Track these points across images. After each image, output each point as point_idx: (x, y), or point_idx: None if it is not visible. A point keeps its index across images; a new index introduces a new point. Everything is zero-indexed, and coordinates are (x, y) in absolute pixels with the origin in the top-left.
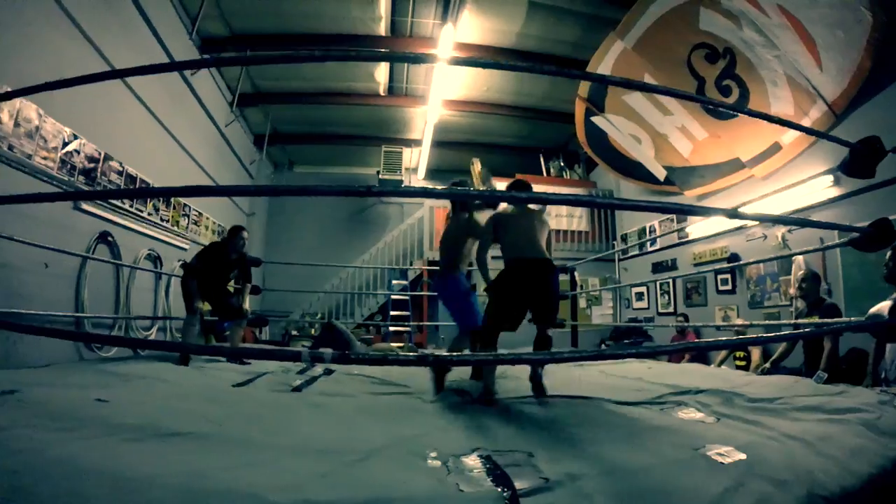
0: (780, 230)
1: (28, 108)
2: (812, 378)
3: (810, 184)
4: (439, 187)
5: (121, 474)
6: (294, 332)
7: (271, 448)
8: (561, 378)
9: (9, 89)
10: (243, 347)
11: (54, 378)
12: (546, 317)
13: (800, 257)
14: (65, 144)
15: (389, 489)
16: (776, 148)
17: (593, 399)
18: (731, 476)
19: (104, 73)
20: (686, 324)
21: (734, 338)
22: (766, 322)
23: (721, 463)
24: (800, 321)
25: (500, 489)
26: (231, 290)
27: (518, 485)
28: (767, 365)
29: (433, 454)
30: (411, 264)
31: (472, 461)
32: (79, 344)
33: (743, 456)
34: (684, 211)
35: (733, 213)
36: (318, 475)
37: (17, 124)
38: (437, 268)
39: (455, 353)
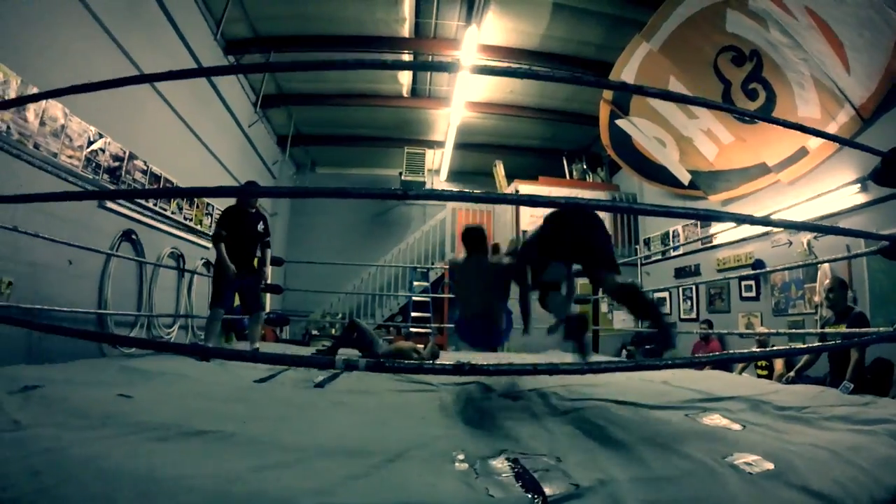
0: (806, 237)
1: (54, 108)
2: (838, 388)
3: (837, 190)
4: (472, 190)
5: (148, 476)
6: (315, 332)
7: (298, 448)
8: (584, 380)
9: (36, 90)
10: (270, 354)
11: (77, 374)
12: (603, 260)
13: (826, 265)
14: (90, 143)
15: (420, 493)
16: (803, 153)
17: (620, 402)
18: (761, 486)
19: (131, 77)
20: (710, 331)
21: (765, 348)
22: (791, 331)
23: (749, 473)
24: (827, 331)
25: (530, 495)
26: (255, 264)
27: (548, 490)
28: (792, 374)
29: (460, 456)
30: (433, 265)
31: (500, 464)
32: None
33: (771, 465)
34: (711, 217)
35: (764, 221)
36: (348, 478)
37: (42, 123)
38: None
39: (492, 364)
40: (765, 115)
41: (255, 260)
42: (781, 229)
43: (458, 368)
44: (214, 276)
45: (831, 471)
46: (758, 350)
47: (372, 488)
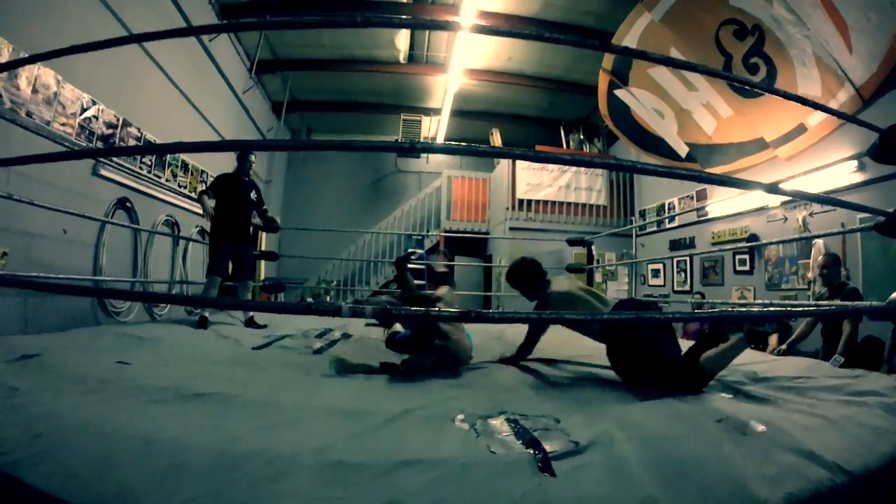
0: (801, 213)
1: (46, 75)
2: (829, 361)
3: (835, 167)
4: (471, 146)
5: (148, 436)
6: (310, 299)
7: (298, 409)
8: (579, 343)
9: (26, 55)
10: (273, 304)
11: (74, 342)
12: None
13: (820, 241)
14: (83, 110)
15: (420, 451)
16: (802, 129)
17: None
18: (757, 447)
19: (121, 38)
20: (703, 300)
21: (756, 310)
22: (784, 304)
23: (743, 434)
24: (821, 303)
25: (531, 451)
26: (250, 232)
27: (548, 447)
28: (784, 346)
29: (460, 417)
30: (428, 233)
31: (500, 424)
32: (97, 309)
33: (763, 428)
34: (713, 181)
35: (771, 188)
36: (348, 436)
37: (35, 91)
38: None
39: (496, 312)
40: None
41: (251, 228)
42: (777, 205)
43: (465, 315)
44: (210, 244)
45: (823, 436)
46: (755, 311)
47: (372, 446)
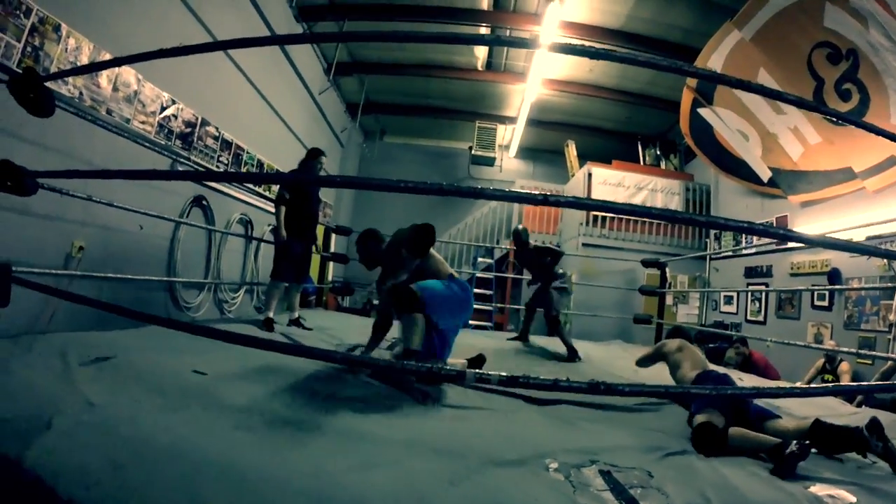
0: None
1: (127, 73)
2: None
3: None
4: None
5: (241, 473)
6: (375, 302)
7: (387, 443)
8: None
9: (108, 56)
10: (259, 340)
11: (147, 342)
12: None
13: None
14: (163, 109)
15: None
16: (892, 162)
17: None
18: None
19: (206, 44)
20: (745, 350)
21: (833, 363)
22: (860, 352)
23: None
24: None
25: None
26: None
27: None
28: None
29: (553, 465)
30: (498, 243)
31: (593, 475)
32: (168, 304)
33: (853, 500)
34: (769, 234)
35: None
36: (446, 482)
37: (115, 89)
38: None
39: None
40: (857, 118)
41: (319, 227)
42: (862, 239)
43: (594, 387)
44: (277, 245)
45: None
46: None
47: (473, 498)
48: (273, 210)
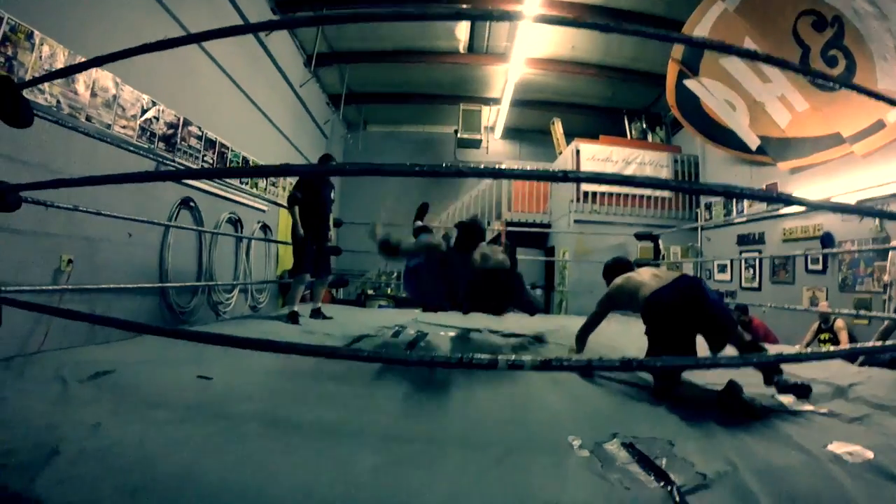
0: None
1: (104, 78)
2: None
3: None
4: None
5: (261, 490)
6: (370, 292)
7: (408, 440)
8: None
9: (83, 59)
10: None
11: (146, 353)
12: None
13: None
14: (143, 112)
15: (558, 491)
16: (880, 125)
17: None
18: (867, 479)
19: (179, 38)
20: (745, 317)
21: (827, 324)
22: (856, 312)
23: (852, 464)
24: None
25: (665, 487)
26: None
27: (678, 481)
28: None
29: (576, 442)
30: (489, 224)
31: (617, 449)
32: (164, 312)
33: (871, 455)
34: (756, 196)
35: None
36: (475, 475)
37: (93, 94)
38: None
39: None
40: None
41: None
42: (853, 202)
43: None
44: (295, 245)
45: None
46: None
47: (505, 486)
48: (261, 212)
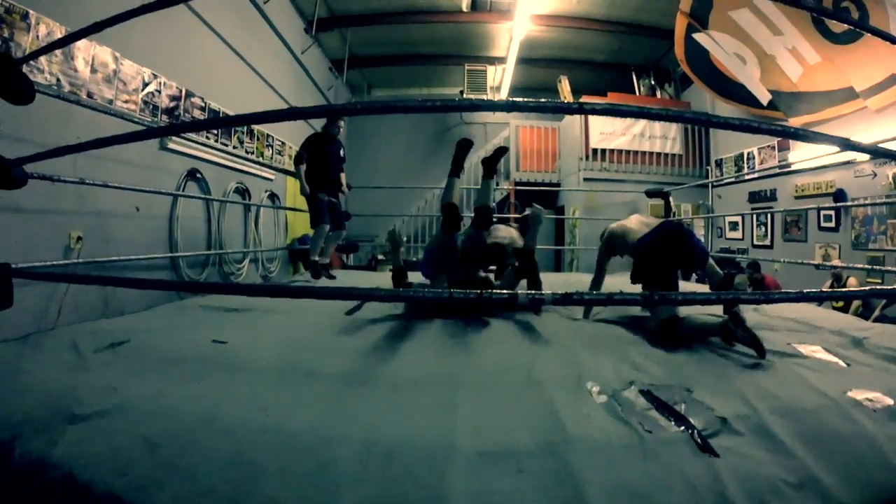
0: (891, 169)
1: (104, 53)
2: None
3: None
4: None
5: (280, 430)
6: (380, 257)
7: (426, 383)
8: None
9: (85, 40)
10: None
11: (160, 321)
12: None
13: None
14: (145, 85)
15: (578, 428)
16: (894, 80)
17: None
18: (889, 424)
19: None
20: (758, 275)
21: (840, 281)
22: (868, 267)
23: (872, 410)
24: None
25: (687, 431)
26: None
27: (699, 425)
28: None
29: (595, 388)
30: (498, 185)
31: (635, 396)
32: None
33: (891, 402)
34: (787, 134)
35: (850, 145)
36: (494, 413)
37: (93, 70)
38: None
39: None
40: (855, 38)
41: (340, 183)
42: (866, 159)
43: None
44: (307, 200)
45: None
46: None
47: (524, 421)
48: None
